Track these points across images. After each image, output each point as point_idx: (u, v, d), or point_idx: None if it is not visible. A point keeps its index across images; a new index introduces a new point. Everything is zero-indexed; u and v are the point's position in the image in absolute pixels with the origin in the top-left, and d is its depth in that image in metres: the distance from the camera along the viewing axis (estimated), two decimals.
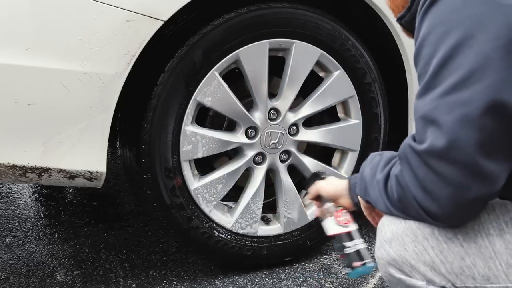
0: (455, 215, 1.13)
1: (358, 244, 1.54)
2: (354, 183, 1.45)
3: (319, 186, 1.58)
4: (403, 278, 1.23)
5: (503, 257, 1.16)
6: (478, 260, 1.17)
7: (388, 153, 1.30)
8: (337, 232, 1.56)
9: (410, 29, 1.30)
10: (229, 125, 2.17)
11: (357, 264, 1.52)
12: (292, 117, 2.17)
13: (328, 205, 1.58)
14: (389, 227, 1.24)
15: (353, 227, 1.56)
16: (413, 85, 2.25)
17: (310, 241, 2.28)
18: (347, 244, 1.54)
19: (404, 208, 1.19)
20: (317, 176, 1.67)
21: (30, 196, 3.01)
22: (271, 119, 2.13)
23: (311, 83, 2.19)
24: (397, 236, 1.22)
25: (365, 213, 1.48)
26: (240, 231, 2.16)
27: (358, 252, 1.53)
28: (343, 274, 2.21)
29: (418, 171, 1.11)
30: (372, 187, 1.27)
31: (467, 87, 1.05)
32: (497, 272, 1.16)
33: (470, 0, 1.07)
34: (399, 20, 1.32)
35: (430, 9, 1.10)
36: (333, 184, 1.56)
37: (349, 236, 1.55)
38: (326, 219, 1.58)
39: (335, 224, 1.56)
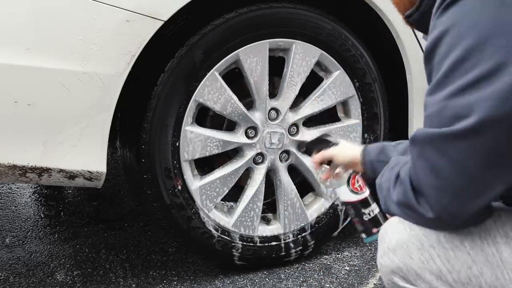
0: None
1: (374, 209, 1.54)
2: (367, 150, 1.49)
3: (334, 152, 1.55)
4: (407, 287, 1.21)
5: (510, 266, 1.14)
6: (486, 269, 1.15)
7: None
8: (353, 200, 1.55)
9: (418, 27, 1.28)
10: (229, 125, 2.17)
11: (375, 230, 1.52)
12: (292, 117, 2.17)
13: (342, 170, 1.56)
14: (393, 235, 1.21)
15: (367, 192, 1.55)
16: (413, 85, 2.25)
17: (310, 241, 2.28)
18: (365, 211, 1.54)
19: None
20: (324, 141, 1.64)
21: (30, 196, 3.01)
22: (271, 119, 2.13)
23: (311, 83, 2.19)
24: (402, 244, 1.20)
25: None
26: (240, 231, 2.16)
27: (375, 217, 1.54)
28: (343, 274, 2.21)
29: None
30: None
31: (474, 91, 1.03)
32: (504, 282, 1.14)
33: (487, 3, 1.05)
34: (407, 17, 1.28)
35: (449, 9, 1.09)
36: (349, 149, 1.55)
37: (365, 202, 1.54)
38: (340, 186, 1.56)
39: (350, 191, 1.55)
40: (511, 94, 1.01)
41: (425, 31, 1.28)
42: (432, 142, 1.07)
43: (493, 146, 1.04)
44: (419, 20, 1.25)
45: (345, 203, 1.58)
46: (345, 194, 1.57)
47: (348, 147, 1.58)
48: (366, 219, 1.54)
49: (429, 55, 1.12)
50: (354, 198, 1.55)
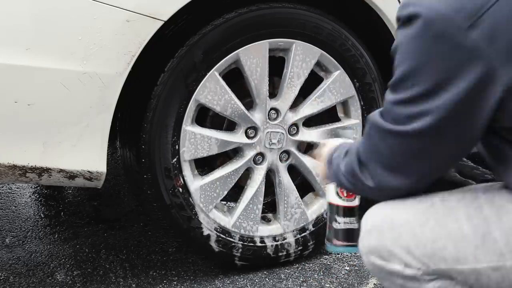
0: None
1: (351, 223, 1.50)
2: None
3: (322, 148, 1.56)
4: (383, 264, 1.30)
5: (471, 240, 1.23)
6: (448, 242, 1.25)
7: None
8: (334, 202, 1.50)
9: None
10: (229, 125, 2.17)
11: (338, 242, 1.50)
12: (292, 117, 2.17)
13: None
14: (370, 218, 1.34)
15: (354, 202, 1.50)
16: None
17: (311, 241, 2.28)
18: (339, 219, 1.50)
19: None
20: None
21: (30, 196, 3.01)
22: (271, 119, 2.13)
23: (311, 83, 2.19)
24: (376, 225, 1.32)
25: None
26: (240, 231, 2.16)
27: (346, 231, 1.49)
28: (343, 274, 2.21)
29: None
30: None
31: (411, 106, 1.19)
32: (465, 255, 1.24)
33: (421, 35, 1.16)
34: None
35: (400, 28, 1.21)
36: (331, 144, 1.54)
37: (344, 211, 1.50)
38: (330, 184, 1.50)
39: (336, 193, 1.50)
40: (446, 111, 1.16)
41: None
42: (377, 128, 1.26)
43: (417, 148, 1.22)
44: None
45: (328, 204, 1.53)
46: (330, 194, 1.51)
47: (331, 142, 1.56)
48: (335, 227, 1.50)
49: (392, 58, 1.26)
50: (335, 201, 1.50)
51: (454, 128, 1.19)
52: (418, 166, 1.25)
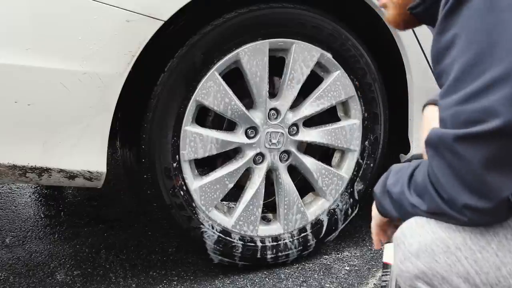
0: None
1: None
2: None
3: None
4: None
5: None
6: None
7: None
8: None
9: (420, 19, 1.27)
10: (229, 125, 2.17)
11: None
12: (292, 117, 2.17)
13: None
14: (414, 239, 1.16)
15: None
16: (413, 85, 2.25)
17: (311, 241, 2.28)
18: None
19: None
20: None
21: (30, 196, 3.01)
22: (271, 119, 2.13)
23: (311, 83, 2.19)
24: (425, 247, 1.15)
25: (376, 229, 1.37)
26: (240, 231, 2.16)
27: None
28: (343, 274, 2.21)
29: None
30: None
31: (484, 97, 1.02)
32: None
33: (496, 6, 1.04)
34: (410, 9, 1.25)
35: (460, 9, 1.07)
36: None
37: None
38: (390, 244, 1.34)
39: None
40: None
41: (428, 22, 1.27)
42: (443, 142, 1.07)
43: (499, 152, 1.03)
44: (423, 13, 1.24)
45: (385, 265, 1.38)
46: (389, 255, 1.36)
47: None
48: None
49: (439, 57, 1.12)
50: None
51: None
52: (499, 177, 1.05)
